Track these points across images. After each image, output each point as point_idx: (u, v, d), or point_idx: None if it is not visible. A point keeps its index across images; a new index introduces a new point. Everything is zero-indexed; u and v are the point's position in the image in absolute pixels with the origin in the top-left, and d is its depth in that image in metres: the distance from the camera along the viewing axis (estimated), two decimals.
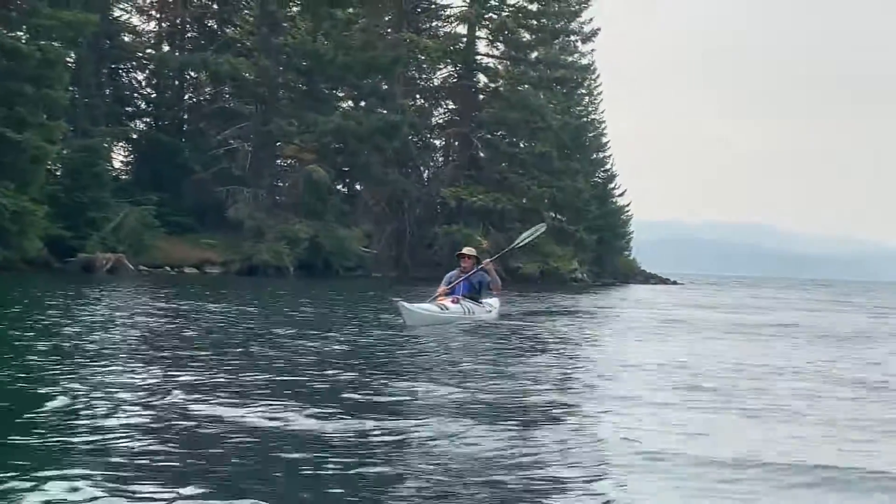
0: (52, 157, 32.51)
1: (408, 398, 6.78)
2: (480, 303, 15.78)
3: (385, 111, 46.93)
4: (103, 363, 7.84)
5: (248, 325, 13.07)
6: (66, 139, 33.78)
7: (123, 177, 45.05)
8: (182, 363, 8.10)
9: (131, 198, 38.13)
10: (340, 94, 50.25)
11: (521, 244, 19.06)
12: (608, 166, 71.52)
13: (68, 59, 34.15)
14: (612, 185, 71.42)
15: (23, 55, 30.06)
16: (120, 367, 7.63)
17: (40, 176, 31.42)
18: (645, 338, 14.39)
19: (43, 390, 6.24)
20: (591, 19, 60.23)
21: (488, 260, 16.24)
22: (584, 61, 63.36)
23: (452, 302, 14.96)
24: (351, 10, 45.44)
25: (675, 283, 70.44)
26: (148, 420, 5.37)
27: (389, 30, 52.31)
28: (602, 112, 70.85)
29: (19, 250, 29.82)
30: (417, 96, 54.77)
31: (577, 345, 12.67)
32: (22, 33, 32.53)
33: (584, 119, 66.04)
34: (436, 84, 56.62)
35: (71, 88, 35.73)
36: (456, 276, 15.66)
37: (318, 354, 9.40)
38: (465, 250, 16.12)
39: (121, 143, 46.23)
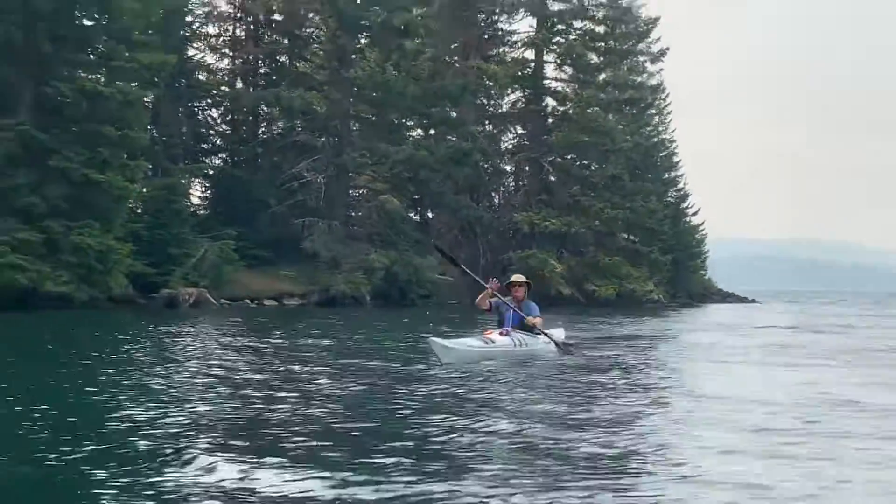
0: (134, 196, 33.28)
1: (463, 450, 6.31)
2: (536, 334, 14.39)
3: (455, 139, 47.29)
4: (194, 397, 8.07)
5: (323, 361, 12.99)
6: (147, 178, 34.58)
7: (202, 212, 45.97)
8: (255, 394, 8.28)
9: (210, 233, 38.89)
10: (410, 124, 50.67)
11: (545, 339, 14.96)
12: (680, 185, 70.88)
13: (146, 99, 34.98)
14: (685, 205, 70.73)
15: (104, 98, 30.88)
16: (209, 404, 7.83)
17: (123, 215, 32.23)
18: (741, 368, 13.48)
19: (132, 424, 6.45)
20: (658, 38, 60.12)
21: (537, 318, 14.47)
22: (653, 81, 63.26)
23: (501, 334, 13.78)
24: (419, 40, 45.86)
25: (752, 301, 69.40)
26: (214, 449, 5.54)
27: (457, 58, 52.70)
28: (672, 131, 70.43)
29: (105, 288, 30.55)
30: (487, 122, 54.97)
31: (664, 377, 11.85)
32: (101, 76, 33.44)
33: (655, 139, 65.71)
34: (505, 110, 56.76)
35: (150, 128, 36.60)
36: (504, 306, 14.47)
37: (358, 396, 9.29)
38: (515, 278, 14.79)
39: (198, 180, 47.23)
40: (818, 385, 10.65)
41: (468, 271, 16.14)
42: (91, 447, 5.91)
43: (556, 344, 14.62)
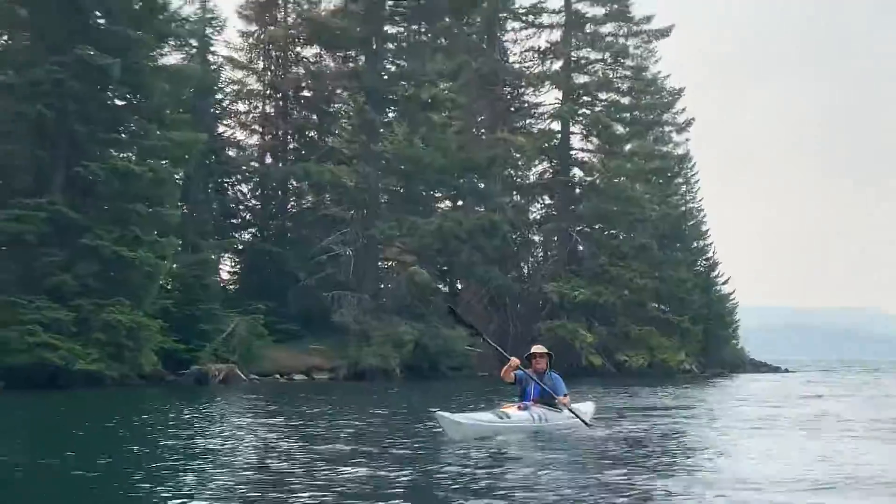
0: (164, 273, 33.49)
1: None
2: (558, 409, 13.63)
3: (484, 210, 47.45)
4: (221, 479, 8.00)
5: (340, 440, 12.62)
6: (177, 254, 34.80)
7: (232, 287, 46.22)
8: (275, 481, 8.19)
9: (240, 307, 39.01)
10: (439, 195, 50.94)
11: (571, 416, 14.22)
12: (710, 254, 70.44)
13: (177, 176, 35.38)
14: (714, 273, 70.25)
15: (135, 176, 31.25)
16: (232, 485, 7.75)
17: (153, 291, 32.35)
18: (781, 442, 12.86)
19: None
20: (684, 109, 60.33)
21: (567, 398, 13.80)
22: (680, 151, 63.28)
23: (518, 408, 13.14)
24: (446, 113, 46.26)
25: (786, 370, 68.52)
26: None
27: (484, 130, 53.11)
28: (700, 200, 70.06)
29: (135, 366, 30.60)
30: (515, 193, 55.12)
31: (693, 453, 11.26)
32: (133, 154, 33.89)
33: (683, 208, 65.49)
34: (532, 180, 56.97)
35: (179, 204, 36.95)
36: (526, 379, 13.73)
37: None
38: (536, 349, 14.12)
39: (228, 254, 47.56)
40: (865, 459, 10.36)
41: (486, 338, 15.61)
42: None
43: (583, 421, 13.88)
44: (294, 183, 48.92)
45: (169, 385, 31.75)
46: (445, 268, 49.80)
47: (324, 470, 9.30)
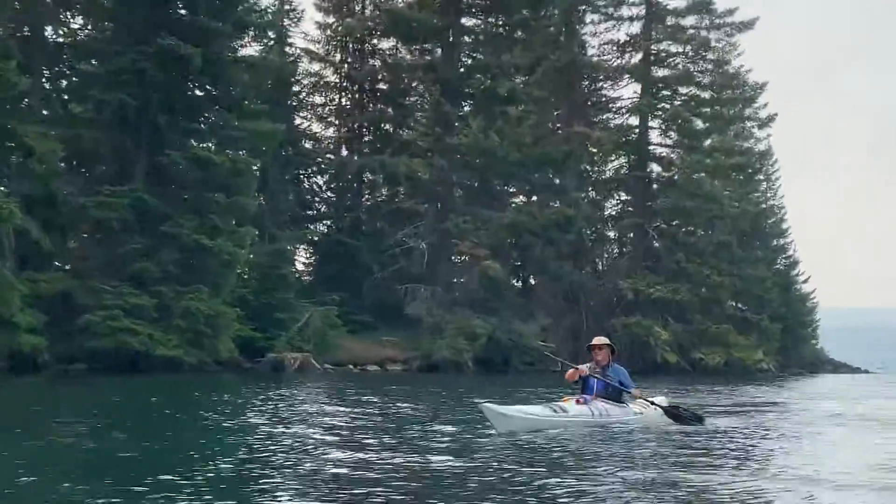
0: (242, 262, 33.81)
1: None
2: (623, 404, 12.95)
3: (558, 205, 47.06)
4: (295, 459, 7.95)
5: (407, 431, 12.05)
6: (254, 244, 35.12)
7: (306, 278, 46.52)
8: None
9: (314, 298, 39.29)
10: (513, 190, 50.69)
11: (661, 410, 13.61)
12: (790, 253, 69.27)
13: (255, 167, 35.71)
14: (794, 272, 69.03)
15: (214, 165, 31.63)
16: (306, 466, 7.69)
17: (231, 280, 32.73)
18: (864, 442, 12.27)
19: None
20: (766, 104, 59.29)
21: (639, 391, 13.28)
22: (761, 147, 62.26)
23: (577, 402, 12.30)
24: (522, 106, 46.01)
25: (866, 371, 67.06)
26: None
27: (560, 124, 52.68)
28: (781, 197, 68.91)
29: (213, 352, 31.00)
30: (590, 188, 54.62)
31: (771, 453, 10.52)
32: (212, 144, 34.31)
33: (763, 205, 64.41)
34: (608, 175, 56.42)
35: (257, 194, 37.29)
36: (590, 368, 13.03)
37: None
38: (597, 340, 13.40)
39: (303, 246, 47.90)
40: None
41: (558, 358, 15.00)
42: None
43: (664, 409, 13.27)
44: (369, 175, 49.09)
45: (246, 372, 32.08)
46: (519, 263, 49.56)
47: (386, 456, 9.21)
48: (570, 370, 12.97)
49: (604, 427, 11.88)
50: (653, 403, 13.37)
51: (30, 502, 6.02)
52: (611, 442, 10.76)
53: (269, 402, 16.80)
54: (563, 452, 9.68)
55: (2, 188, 28.26)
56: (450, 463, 8.68)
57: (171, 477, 7.43)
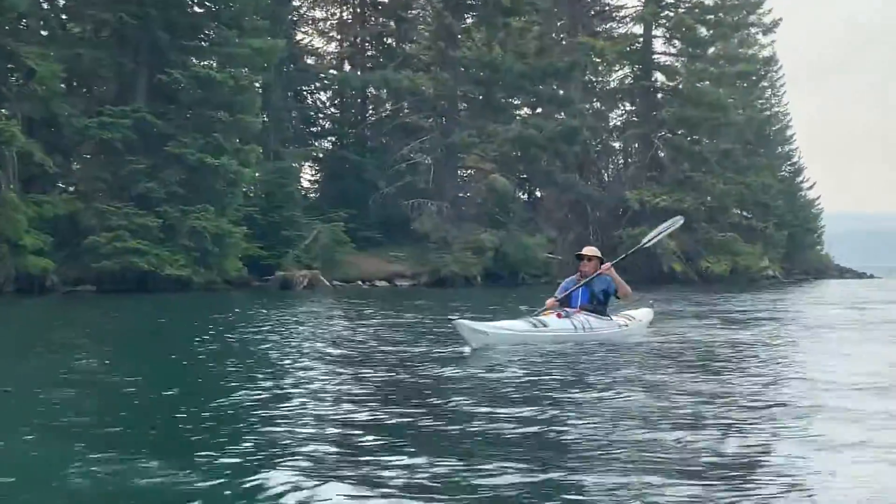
0: (247, 180, 33.76)
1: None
2: (607, 317, 12.04)
3: (563, 116, 46.80)
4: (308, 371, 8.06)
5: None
6: (259, 162, 35.05)
7: (312, 195, 46.54)
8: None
9: (321, 215, 39.36)
10: (518, 102, 50.35)
11: (652, 241, 13.95)
12: (795, 159, 69.15)
13: (257, 84, 35.43)
14: (799, 179, 68.99)
15: (216, 83, 31.40)
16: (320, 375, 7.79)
17: (237, 199, 32.73)
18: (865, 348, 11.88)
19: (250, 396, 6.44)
20: (770, 10, 58.55)
21: (608, 264, 12.16)
22: (765, 53, 61.64)
23: (558, 316, 11.40)
24: (525, 17, 45.46)
25: (871, 276, 67.27)
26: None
27: (564, 35, 52.10)
28: (786, 104, 68.58)
29: (221, 271, 31.14)
30: (595, 99, 54.24)
31: (772, 361, 9.82)
32: (213, 62, 34.04)
33: (768, 112, 64.09)
34: (613, 86, 55.99)
35: (260, 112, 37.07)
36: (574, 282, 12.16)
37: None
38: (587, 250, 12.42)
39: (308, 163, 47.82)
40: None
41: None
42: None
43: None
44: (372, 91, 48.76)
45: (254, 290, 32.25)
46: (525, 175, 49.49)
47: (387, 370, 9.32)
48: (550, 301, 11.92)
49: (586, 342, 11.05)
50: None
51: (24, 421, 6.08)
52: (595, 357, 9.98)
53: (282, 319, 16.92)
54: (537, 369, 8.84)
55: (3, 110, 28.08)
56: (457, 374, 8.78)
57: (182, 395, 7.53)
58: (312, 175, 49.49)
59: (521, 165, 47.52)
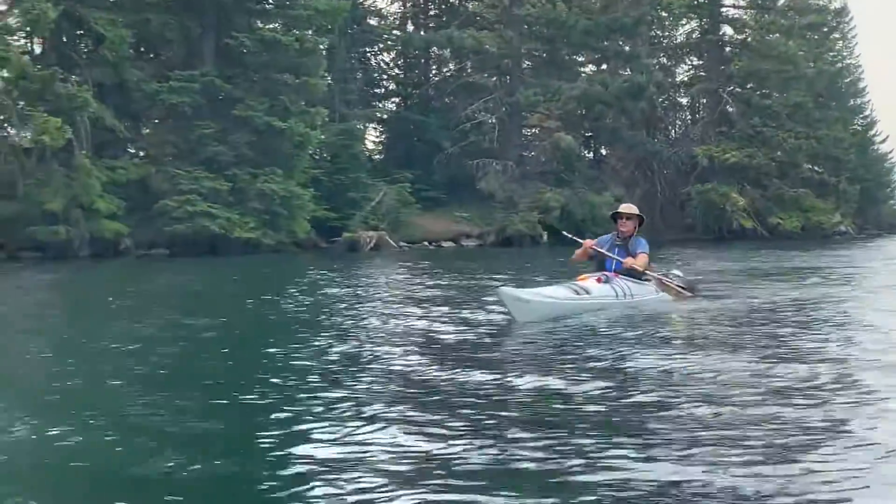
0: (314, 143, 33.91)
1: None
2: (646, 280, 10.98)
3: (629, 72, 46.21)
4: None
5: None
6: (325, 124, 35.14)
7: (377, 157, 46.59)
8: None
9: (386, 177, 39.41)
10: (582, 59, 49.84)
11: (652, 279, 11.20)
12: (867, 112, 67.53)
13: (322, 46, 35.45)
14: (872, 132, 67.39)
15: (282, 46, 31.53)
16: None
17: (304, 161, 32.94)
18: None
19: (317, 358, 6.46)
20: None
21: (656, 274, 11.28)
22: (837, 4, 60.12)
23: (598, 281, 10.40)
24: None
25: None
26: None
27: None
28: (858, 56, 66.92)
29: (290, 233, 31.42)
30: (661, 55, 53.43)
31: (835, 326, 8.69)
32: (278, 24, 34.15)
33: (839, 65, 62.58)
34: (680, 41, 55.08)
35: (325, 74, 37.12)
36: (610, 241, 11.02)
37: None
38: (624, 208, 11.19)
39: (372, 124, 47.82)
40: None
41: (568, 234, 12.69)
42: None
43: (679, 288, 11.32)
44: (436, 50, 48.53)
45: (322, 252, 32.48)
46: (590, 133, 49.05)
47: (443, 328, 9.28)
48: (579, 250, 11.06)
49: (632, 308, 10.20)
50: (656, 277, 11.35)
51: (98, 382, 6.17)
52: (643, 324, 9.09)
53: (350, 281, 17.00)
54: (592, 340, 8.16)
55: (74, 77, 28.44)
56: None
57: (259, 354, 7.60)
58: (377, 137, 49.56)
59: (587, 123, 47.11)
